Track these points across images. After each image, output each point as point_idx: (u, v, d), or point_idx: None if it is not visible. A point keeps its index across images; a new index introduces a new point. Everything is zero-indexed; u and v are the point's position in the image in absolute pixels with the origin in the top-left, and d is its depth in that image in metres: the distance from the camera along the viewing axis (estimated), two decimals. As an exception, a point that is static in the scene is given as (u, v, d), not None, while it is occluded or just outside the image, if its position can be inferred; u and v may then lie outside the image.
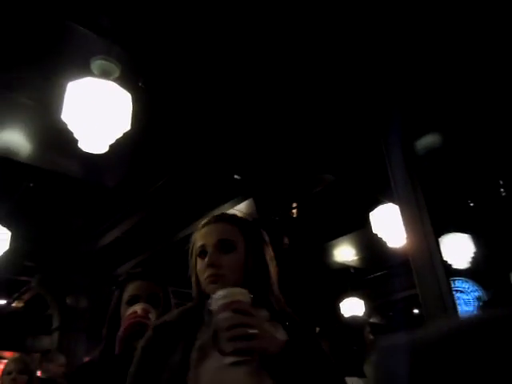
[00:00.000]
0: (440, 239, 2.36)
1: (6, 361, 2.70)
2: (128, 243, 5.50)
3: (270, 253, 1.20)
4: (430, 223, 2.15)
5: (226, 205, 4.43)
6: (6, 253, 4.15)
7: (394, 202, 3.68)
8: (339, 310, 6.51)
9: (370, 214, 4.17)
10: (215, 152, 3.68)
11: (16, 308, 7.64)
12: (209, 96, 3.05)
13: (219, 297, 0.98)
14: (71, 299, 5.60)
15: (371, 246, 5.51)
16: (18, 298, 7.25)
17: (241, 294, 1.00)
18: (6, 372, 2.45)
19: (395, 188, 2.15)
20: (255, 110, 3.20)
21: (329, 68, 2.80)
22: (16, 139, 3.43)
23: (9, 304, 7.50)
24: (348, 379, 2.70)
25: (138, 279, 1.49)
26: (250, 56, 2.73)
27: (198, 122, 3.31)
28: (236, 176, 4.03)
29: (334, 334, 3.95)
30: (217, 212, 4.52)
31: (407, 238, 2.25)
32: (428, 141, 3.05)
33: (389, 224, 3.96)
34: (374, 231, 4.15)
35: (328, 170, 3.94)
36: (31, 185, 4.15)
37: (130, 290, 1.46)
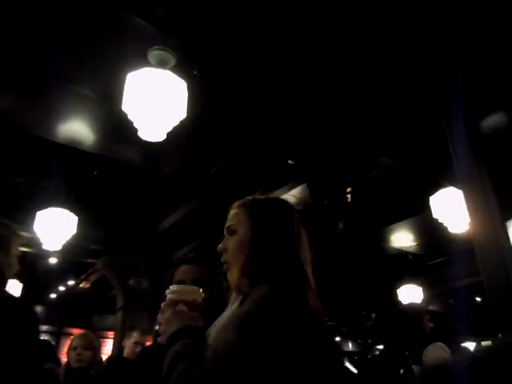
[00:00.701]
0: (507, 224, 2.23)
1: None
2: (186, 228, 5.67)
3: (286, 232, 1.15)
4: (496, 207, 2.03)
5: (279, 190, 4.43)
6: (74, 237, 4.40)
7: (456, 185, 3.51)
8: (396, 296, 6.37)
9: (431, 198, 4.00)
10: (269, 137, 3.68)
11: (83, 289, 8.15)
12: (263, 81, 3.05)
13: (169, 291, 1.08)
14: (134, 281, 5.88)
15: (431, 231, 5.31)
16: (85, 280, 7.72)
17: (192, 294, 1.07)
18: (72, 347, 2.54)
19: (459, 171, 2.04)
20: (310, 94, 3.16)
21: (387, 44, 2.70)
22: (81, 130, 3.62)
23: (77, 285, 8.01)
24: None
25: (185, 264, 1.54)
26: (304, 38, 2.69)
27: (253, 108, 3.32)
28: (290, 161, 4.02)
29: (392, 321, 3.88)
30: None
31: (471, 223, 2.14)
32: (494, 120, 2.87)
33: (450, 208, 3.79)
34: (434, 216, 3.98)
35: (386, 153, 3.82)
36: (95, 173, 4.38)
37: (177, 274, 1.52)
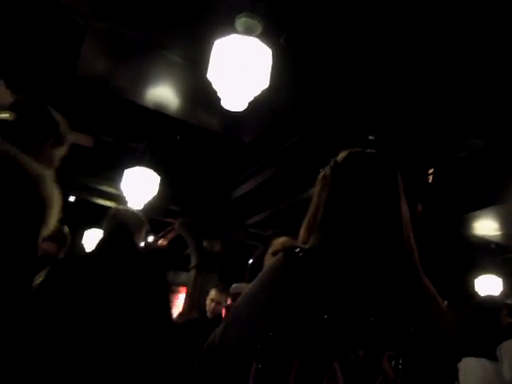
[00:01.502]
0: None
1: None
2: (259, 197, 5.77)
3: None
4: None
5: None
6: (155, 197, 4.67)
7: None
8: (473, 286, 6.04)
9: (523, 185, 3.69)
10: (352, 110, 3.57)
11: (161, 245, 8.67)
12: (349, 53, 2.94)
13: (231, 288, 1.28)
14: (207, 242, 6.14)
15: (519, 222, 4.93)
16: (162, 237, 8.20)
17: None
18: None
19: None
20: (397, 66, 2.99)
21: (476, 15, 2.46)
22: (167, 95, 3.76)
23: (155, 242, 8.54)
24: (476, 360, 2.54)
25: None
26: (393, 14, 2.53)
27: (337, 80, 3.23)
28: (370, 137, 3.88)
29: (465, 309, 3.70)
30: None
31: None
32: None
33: (546, 199, 3.46)
34: (525, 206, 3.67)
35: (478, 134, 3.55)
36: (178, 137, 4.56)
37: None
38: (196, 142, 4.84)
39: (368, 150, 1.10)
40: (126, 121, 4.72)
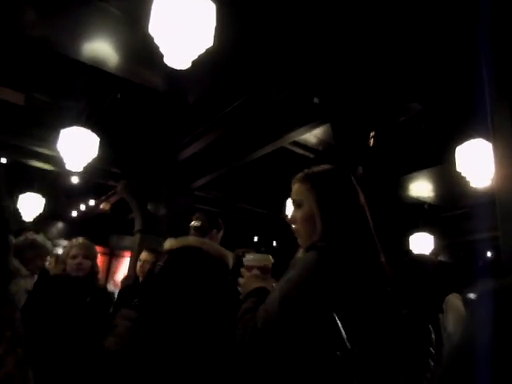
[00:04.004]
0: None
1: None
2: (205, 159, 5.72)
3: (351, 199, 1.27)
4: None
5: (302, 128, 4.37)
6: (95, 159, 4.46)
7: (485, 137, 3.40)
8: (408, 245, 6.44)
9: (457, 148, 3.89)
10: (297, 73, 3.56)
11: (103, 210, 8.43)
12: (296, 13, 2.89)
13: (245, 259, 1.29)
14: (152, 206, 6.04)
15: (451, 183, 5.25)
16: (105, 201, 7.96)
17: (263, 261, 1.28)
18: (71, 256, 2.43)
19: (491, 121, 1.96)
20: (339, 29, 3.00)
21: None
22: (105, 50, 3.54)
23: (97, 205, 8.27)
24: None
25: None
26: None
27: (282, 41, 3.18)
28: (315, 99, 3.91)
29: (400, 265, 3.94)
30: (293, 135, 4.47)
31: (495, 176, 2.10)
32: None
33: (475, 161, 3.70)
34: (457, 168, 3.90)
35: (416, 99, 3.68)
36: (118, 96, 4.35)
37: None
38: (138, 101, 4.65)
39: (336, 168, 1.32)
40: (61, 77, 4.43)
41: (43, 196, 6.42)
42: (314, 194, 1.23)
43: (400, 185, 5.99)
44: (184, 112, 4.71)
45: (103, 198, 7.79)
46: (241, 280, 1.26)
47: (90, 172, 5.11)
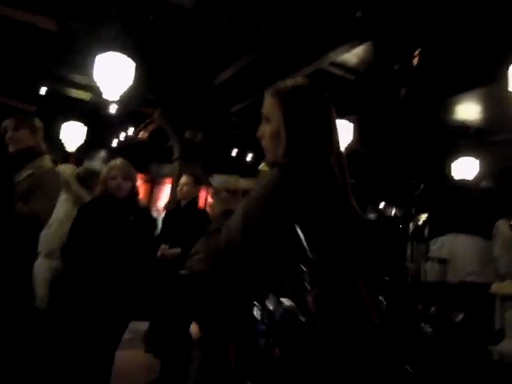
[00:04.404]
0: None
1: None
2: (241, 83, 5.58)
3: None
4: None
5: (342, 47, 4.13)
6: (132, 86, 4.44)
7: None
8: (450, 170, 6.23)
9: (510, 68, 3.58)
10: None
11: (142, 138, 8.55)
12: None
13: (213, 180, 1.25)
14: (189, 133, 6.06)
15: (500, 104, 4.92)
16: (143, 129, 8.05)
17: (232, 183, 1.24)
18: (111, 177, 2.46)
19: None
20: None
21: None
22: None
23: (136, 134, 8.40)
24: (468, 237, 2.69)
25: None
26: None
27: None
28: (358, 13, 3.64)
29: (441, 192, 3.87)
30: (332, 55, 4.24)
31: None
32: None
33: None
34: (509, 88, 3.61)
35: (470, 9, 3.36)
36: (151, 17, 4.21)
37: None
38: (172, 23, 4.49)
39: (308, 84, 1.25)
40: (93, 2, 4.31)
41: (84, 125, 6.55)
42: (283, 108, 1.20)
43: (445, 107, 5.69)
44: (219, 33, 4.52)
45: (141, 126, 7.87)
46: (210, 203, 1.27)
47: (126, 100, 5.12)
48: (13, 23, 4.56)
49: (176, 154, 6.21)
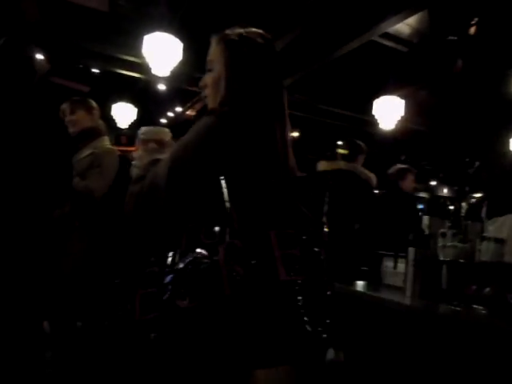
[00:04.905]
0: None
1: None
2: (287, 59, 5.48)
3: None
4: None
5: (394, 17, 3.95)
6: (180, 64, 4.49)
7: None
8: (508, 147, 5.90)
9: None
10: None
11: (189, 116, 8.67)
12: None
13: (140, 132, 1.23)
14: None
15: None
16: (190, 108, 8.15)
17: (160, 134, 1.23)
18: None
19: None
20: None
21: None
22: None
23: (183, 112, 8.52)
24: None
25: None
26: None
27: None
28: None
29: (497, 170, 3.69)
30: (384, 26, 4.07)
31: None
32: None
33: None
34: None
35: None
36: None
37: None
38: (215, 3, 4.47)
39: (249, 32, 1.20)
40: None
41: (134, 104, 6.73)
42: (226, 54, 1.16)
43: (504, 79, 5.35)
44: (267, 6, 4.44)
45: (189, 104, 7.97)
46: (136, 153, 1.22)
47: (175, 78, 5.18)
48: (64, 4, 4.69)
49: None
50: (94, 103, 2.77)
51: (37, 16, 4.53)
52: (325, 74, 5.81)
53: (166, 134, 1.27)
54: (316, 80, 6.06)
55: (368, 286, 2.36)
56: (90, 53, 5.62)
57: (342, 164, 3.03)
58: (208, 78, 1.22)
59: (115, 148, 2.87)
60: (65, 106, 2.65)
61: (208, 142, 1.05)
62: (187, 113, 8.46)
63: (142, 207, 1.10)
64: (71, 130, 2.58)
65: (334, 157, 3.29)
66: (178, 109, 8.49)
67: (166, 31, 4.30)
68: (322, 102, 6.83)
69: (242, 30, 1.20)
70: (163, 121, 9.17)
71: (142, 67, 5.33)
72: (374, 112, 4.89)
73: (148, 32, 4.33)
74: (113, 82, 6.63)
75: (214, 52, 1.20)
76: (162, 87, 7.01)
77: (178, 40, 4.34)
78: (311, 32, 4.62)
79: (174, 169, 1.05)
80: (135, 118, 6.79)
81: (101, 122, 2.77)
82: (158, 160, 1.15)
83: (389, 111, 4.83)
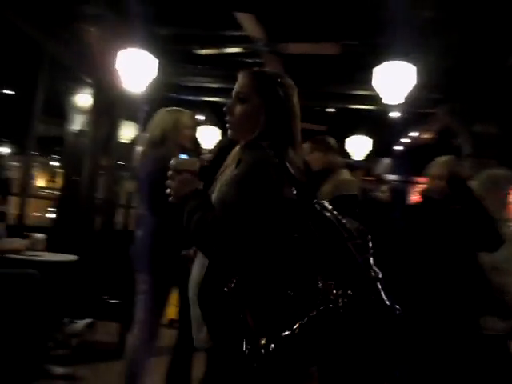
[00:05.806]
0: None
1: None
2: None
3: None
4: None
5: None
6: (413, 88, 4.39)
7: None
8: None
9: None
10: None
11: (425, 139, 8.28)
12: None
13: (173, 163, 1.26)
14: (480, 126, 5.50)
15: None
16: (426, 130, 7.79)
17: (190, 164, 1.26)
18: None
19: None
20: None
21: None
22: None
23: (419, 136, 8.20)
24: None
25: None
26: None
27: None
28: None
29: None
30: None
31: None
32: None
33: None
34: None
35: None
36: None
37: None
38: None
39: (281, 77, 1.36)
40: (369, 20, 4.47)
41: (370, 136, 6.89)
42: (263, 95, 1.28)
43: None
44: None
45: (424, 127, 7.64)
46: (171, 183, 1.24)
47: (409, 103, 5.07)
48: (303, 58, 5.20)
49: (466, 150, 5.71)
50: (331, 141, 2.98)
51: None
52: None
53: (196, 163, 1.33)
54: None
55: None
56: (326, 94, 6.09)
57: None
58: (239, 108, 1.31)
59: (354, 179, 3.00)
60: (305, 146, 2.94)
61: (266, 176, 1.15)
62: (422, 136, 8.11)
63: (221, 230, 1.14)
64: (313, 168, 2.83)
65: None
66: (412, 133, 8.23)
67: (399, 59, 4.29)
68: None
69: (274, 73, 1.37)
70: (397, 147, 9.02)
71: (373, 98, 5.44)
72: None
73: (376, 64, 4.41)
74: (347, 116, 6.97)
75: (249, 86, 1.31)
76: (394, 114, 6.97)
77: (410, 65, 4.28)
78: None
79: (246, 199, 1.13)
80: (370, 148, 6.92)
81: (338, 159, 2.95)
82: (198, 190, 1.23)
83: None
